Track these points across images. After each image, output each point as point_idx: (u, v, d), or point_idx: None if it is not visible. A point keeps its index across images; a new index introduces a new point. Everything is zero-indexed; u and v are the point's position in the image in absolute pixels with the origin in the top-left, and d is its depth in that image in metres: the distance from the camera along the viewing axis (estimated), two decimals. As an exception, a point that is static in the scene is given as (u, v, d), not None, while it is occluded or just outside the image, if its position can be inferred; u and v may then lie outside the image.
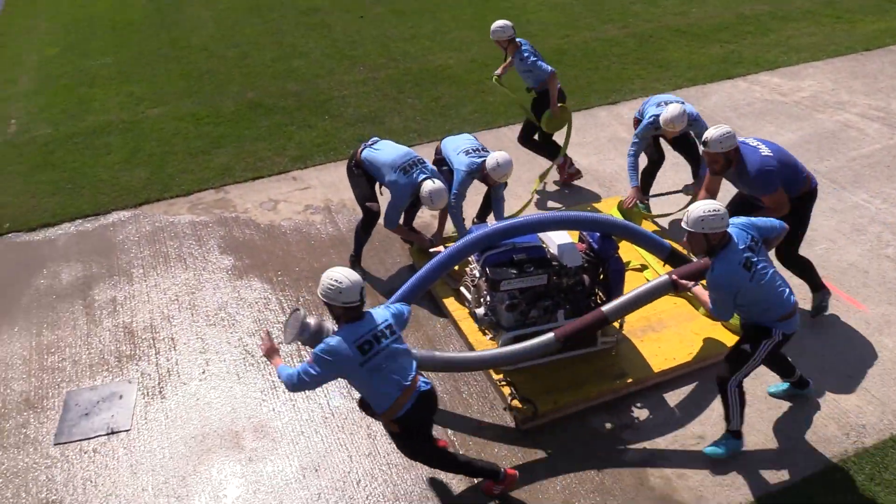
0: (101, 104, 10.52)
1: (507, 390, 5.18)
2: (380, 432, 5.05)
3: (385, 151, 6.36)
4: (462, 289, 6.04)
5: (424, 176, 6.17)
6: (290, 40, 12.53)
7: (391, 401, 4.12)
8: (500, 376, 5.30)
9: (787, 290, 4.52)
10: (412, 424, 4.25)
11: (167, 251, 7.18)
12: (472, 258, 5.69)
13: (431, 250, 6.47)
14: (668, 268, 5.70)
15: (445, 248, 5.64)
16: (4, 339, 6.16)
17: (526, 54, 7.37)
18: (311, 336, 4.43)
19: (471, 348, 5.64)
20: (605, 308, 4.86)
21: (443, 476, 4.72)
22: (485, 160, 6.24)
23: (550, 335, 4.85)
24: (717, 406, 4.91)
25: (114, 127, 9.78)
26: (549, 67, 7.38)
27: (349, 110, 9.80)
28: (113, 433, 5.22)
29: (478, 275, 5.59)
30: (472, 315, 5.65)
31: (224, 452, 5.03)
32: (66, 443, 5.14)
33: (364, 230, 6.49)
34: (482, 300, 5.60)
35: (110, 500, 4.75)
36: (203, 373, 5.70)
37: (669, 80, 10.32)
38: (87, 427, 5.27)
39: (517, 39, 7.46)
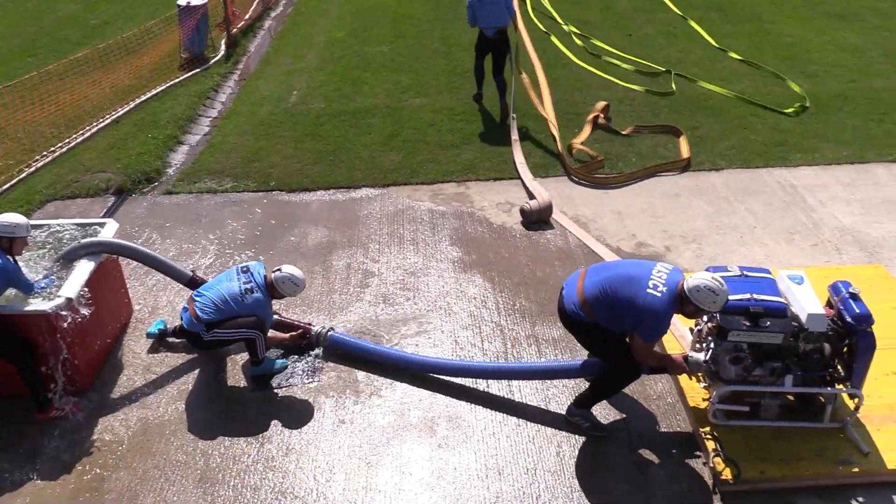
0: (371, 88, 11.35)
1: (711, 445, 4.86)
2: (568, 453, 4.99)
3: None
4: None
5: None
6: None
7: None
8: (707, 429, 4.98)
9: None
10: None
11: (403, 233, 7.59)
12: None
13: None
14: None
15: None
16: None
17: None
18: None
19: (680, 394, 5.39)
20: None
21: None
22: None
23: None
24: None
25: (378, 110, 10.51)
26: None
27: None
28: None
29: (705, 317, 5.27)
30: (685, 358, 5.26)
31: (417, 433, 5.23)
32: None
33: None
34: (703, 345, 5.27)
35: (310, 448, 5.14)
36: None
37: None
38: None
39: None
